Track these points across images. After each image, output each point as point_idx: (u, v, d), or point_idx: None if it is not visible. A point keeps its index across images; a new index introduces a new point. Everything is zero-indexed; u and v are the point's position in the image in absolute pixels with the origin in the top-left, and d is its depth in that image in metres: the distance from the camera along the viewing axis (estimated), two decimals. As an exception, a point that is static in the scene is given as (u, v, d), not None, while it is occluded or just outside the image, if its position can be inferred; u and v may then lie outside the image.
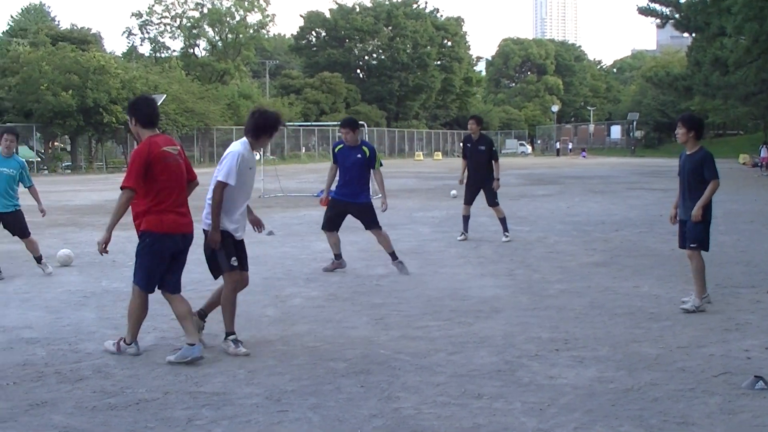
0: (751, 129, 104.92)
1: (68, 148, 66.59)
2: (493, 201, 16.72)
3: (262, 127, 8.74)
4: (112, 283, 12.16)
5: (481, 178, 16.74)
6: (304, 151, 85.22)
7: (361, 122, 41.45)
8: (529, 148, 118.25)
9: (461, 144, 17.70)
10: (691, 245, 10.19)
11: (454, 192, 29.43)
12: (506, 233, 16.76)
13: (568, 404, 6.55)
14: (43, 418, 6.35)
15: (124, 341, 8.17)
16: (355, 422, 6.19)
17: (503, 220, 16.81)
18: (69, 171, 60.29)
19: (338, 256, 13.25)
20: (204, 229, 8.49)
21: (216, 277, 8.85)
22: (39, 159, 64.78)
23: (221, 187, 8.36)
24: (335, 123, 69.83)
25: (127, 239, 16.97)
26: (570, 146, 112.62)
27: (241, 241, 8.68)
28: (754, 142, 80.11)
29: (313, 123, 75.74)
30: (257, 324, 9.47)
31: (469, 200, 16.99)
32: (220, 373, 7.47)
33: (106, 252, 8.12)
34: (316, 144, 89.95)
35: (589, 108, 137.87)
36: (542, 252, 15.28)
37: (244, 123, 9.07)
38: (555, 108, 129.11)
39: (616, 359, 7.83)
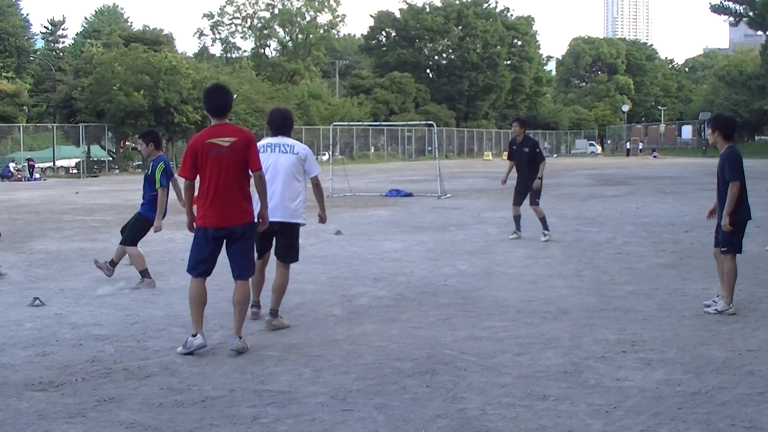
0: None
1: (139, 147, 67.46)
2: (534, 200, 16.91)
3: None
4: (181, 281, 12.24)
5: (525, 178, 16.91)
6: (373, 150, 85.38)
7: (430, 122, 41.45)
8: (598, 149, 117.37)
9: (509, 146, 17.71)
10: (722, 249, 10.05)
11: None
12: (546, 231, 16.74)
13: (635, 407, 6.51)
14: (110, 414, 6.44)
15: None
16: (420, 422, 6.20)
17: (543, 220, 16.85)
18: (140, 170, 60.87)
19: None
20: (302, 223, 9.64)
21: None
22: (111, 158, 65.62)
23: None
24: (404, 123, 70.19)
25: (189, 238, 17.19)
26: (640, 146, 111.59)
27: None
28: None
29: (383, 123, 75.86)
30: (324, 323, 9.51)
31: (517, 201, 17.20)
32: (285, 371, 7.51)
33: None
34: (385, 144, 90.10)
35: (659, 108, 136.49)
36: (611, 253, 15.17)
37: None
38: (625, 108, 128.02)
39: (684, 362, 7.76)
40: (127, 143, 67.26)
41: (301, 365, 7.71)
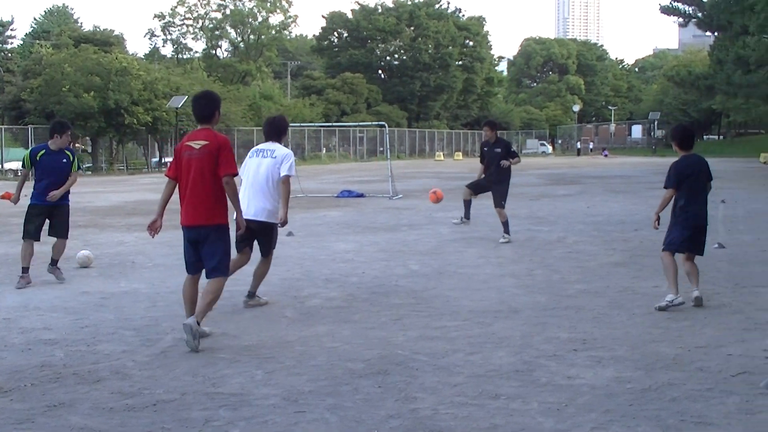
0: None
1: (89, 149, 66.75)
2: (499, 203, 16.67)
3: None
4: (132, 284, 12.20)
5: (495, 179, 16.74)
6: (324, 151, 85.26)
7: (381, 123, 41.29)
8: (549, 148, 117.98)
9: (480, 149, 17.71)
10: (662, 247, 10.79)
11: (474, 193, 29.44)
12: (506, 234, 16.67)
13: (586, 404, 6.55)
14: (60, 419, 6.38)
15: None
16: (373, 423, 6.20)
17: (506, 224, 16.72)
18: (90, 172, 60.38)
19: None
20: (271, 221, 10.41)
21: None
22: (60, 161, 65.01)
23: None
24: (356, 124, 70.21)
25: (147, 241, 17.09)
26: (591, 146, 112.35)
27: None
28: (776, 141, 79.82)
29: (335, 124, 75.80)
30: (276, 325, 9.48)
31: (474, 187, 17.46)
32: (237, 374, 7.49)
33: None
34: (337, 144, 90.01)
35: (610, 107, 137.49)
36: (562, 252, 15.26)
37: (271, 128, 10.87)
38: (576, 108, 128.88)
39: (635, 359, 7.82)
40: (77, 145, 66.66)
41: (253, 367, 7.68)
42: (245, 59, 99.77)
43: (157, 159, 69.49)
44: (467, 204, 17.43)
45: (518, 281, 12.18)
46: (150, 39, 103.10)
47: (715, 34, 57.71)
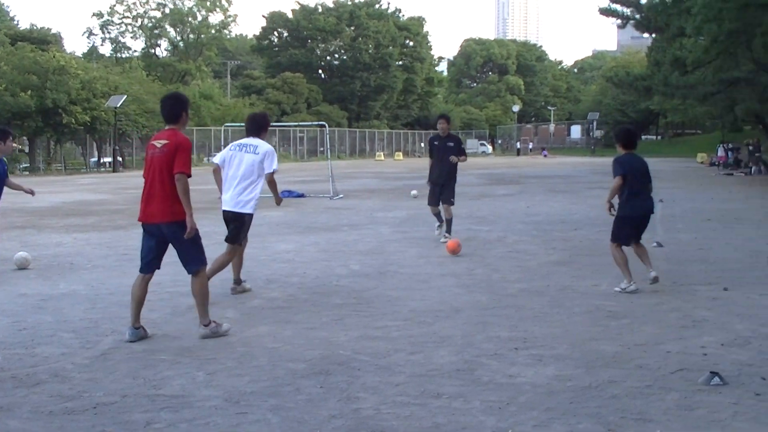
0: (709, 128, 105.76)
1: (26, 149, 65.92)
2: (449, 199, 16.59)
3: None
4: (71, 286, 12.06)
5: (447, 176, 16.65)
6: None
7: (322, 123, 41.18)
8: (489, 148, 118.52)
9: (428, 144, 17.56)
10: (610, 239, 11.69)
11: (414, 192, 29.51)
12: (447, 234, 16.64)
13: (527, 402, 6.58)
14: (-2, 422, 6.31)
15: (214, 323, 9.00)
16: (315, 423, 6.18)
17: (450, 221, 16.72)
18: (27, 173, 59.65)
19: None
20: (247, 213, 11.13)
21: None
22: (-4, 161, 64.10)
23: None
24: (296, 124, 70.03)
25: (86, 242, 16.94)
26: (530, 146, 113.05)
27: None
28: (712, 142, 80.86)
29: (275, 124, 75.56)
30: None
31: (434, 202, 16.84)
32: (179, 375, 7.43)
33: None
34: (277, 144, 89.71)
35: (549, 108, 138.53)
36: (502, 251, 15.33)
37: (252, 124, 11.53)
38: (516, 108, 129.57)
39: (575, 357, 7.88)
40: (14, 145, 65.81)
41: (194, 369, 7.63)
42: (185, 58, 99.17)
43: (95, 159, 68.82)
44: (438, 214, 17.15)
45: (459, 281, 12.22)
46: (88, 38, 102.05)
47: (653, 35, 58.26)
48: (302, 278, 12.59)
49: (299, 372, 7.48)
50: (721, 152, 57.21)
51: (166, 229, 8.75)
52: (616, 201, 11.44)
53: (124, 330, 9.02)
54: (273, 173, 11.22)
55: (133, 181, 42.77)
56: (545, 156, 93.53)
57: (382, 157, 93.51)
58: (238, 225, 11.24)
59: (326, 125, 40.26)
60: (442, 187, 16.60)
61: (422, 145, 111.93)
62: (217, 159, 11.69)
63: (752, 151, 50.44)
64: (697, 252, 15.01)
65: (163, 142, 8.74)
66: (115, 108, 58.64)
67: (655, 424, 6.09)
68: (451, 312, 10.04)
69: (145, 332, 8.84)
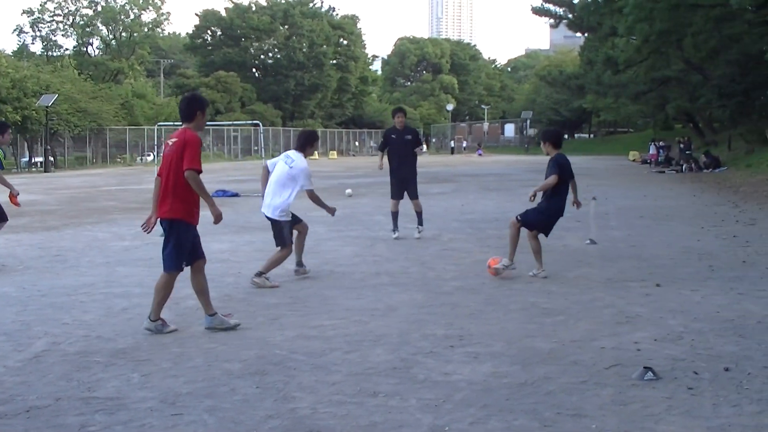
0: (641, 127, 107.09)
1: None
2: (415, 194, 16.78)
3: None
4: (1, 287, 11.88)
5: (408, 170, 16.73)
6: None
7: (256, 122, 41.05)
8: (424, 147, 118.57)
9: (383, 137, 17.41)
10: (517, 216, 12.66)
11: (349, 191, 29.55)
12: (420, 227, 16.79)
13: (464, 400, 6.60)
14: (-71, 426, 6.20)
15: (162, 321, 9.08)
16: (251, 423, 6.16)
17: (420, 214, 16.87)
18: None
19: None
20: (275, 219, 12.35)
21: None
22: None
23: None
24: (230, 123, 69.74)
25: (17, 243, 16.72)
26: (465, 144, 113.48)
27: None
28: (644, 140, 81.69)
29: (208, 123, 75.16)
30: (151, 326, 9.35)
31: (397, 195, 16.91)
32: (113, 377, 7.36)
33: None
34: (211, 144, 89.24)
35: (483, 106, 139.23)
36: (437, 250, 15.38)
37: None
38: (450, 107, 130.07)
39: (511, 354, 7.92)
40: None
41: (129, 370, 7.56)
42: (117, 57, 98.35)
43: (27, 159, 67.95)
44: (395, 216, 17.06)
45: (394, 279, 12.24)
46: (18, 35, 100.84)
47: (585, 35, 58.84)
48: (237, 278, 12.54)
49: (235, 372, 7.45)
50: (652, 150, 57.82)
51: (166, 225, 8.99)
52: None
53: (56, 332, 8.95)
54: (310, 191, 12.78)
55: (66, 181, 42.31)
56: (480, 155, 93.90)
57: (317, 156, 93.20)
58: (275, 229, 12.45)
59: (260, 124, 40.29)
60: (406, 183, 16.64)
61: (356, 144, 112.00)
62: (269, 162, 12.99)
63: (683, 149, 51.08)
64: (630, 249, 15.17)
65: (174, 140, 8.97)
66: (47, 107, 57.97)
67: (590, 419, 6.15)
68: (386, 310, 10.05)
69: (221, 318, 9.23)
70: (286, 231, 12.40)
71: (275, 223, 12.39)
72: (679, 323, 9.16)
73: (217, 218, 9.13)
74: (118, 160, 71.27)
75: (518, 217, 12.48)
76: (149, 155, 68.98)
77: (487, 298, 10.69)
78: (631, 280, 11.93)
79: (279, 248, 12.27)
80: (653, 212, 22.26)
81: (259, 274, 11.92)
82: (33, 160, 66.93)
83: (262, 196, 12.80)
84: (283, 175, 12.42)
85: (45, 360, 7.99)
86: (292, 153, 12.71)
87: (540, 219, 12.47)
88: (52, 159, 62.86)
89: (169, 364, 7.74)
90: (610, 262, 13.54)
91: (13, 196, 14.20)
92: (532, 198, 12.45)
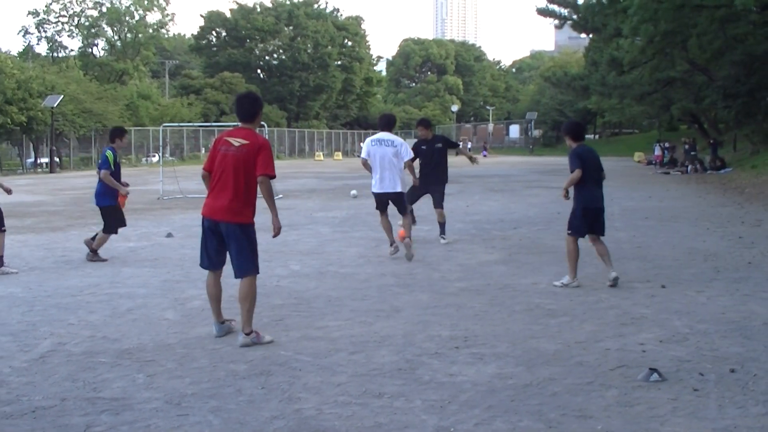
0: (645, 128, 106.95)
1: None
2: (440, 203, 16.66)
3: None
4: (8, 288, 11.90)
5: (435, 179, 16.61)
6: (204, 152, 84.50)
7: (261, 123, 41.10)
8: (485, 152, 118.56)
9: (415, 150, 16.85)
10: (568, 231, 11.92)
11: (354, 192, 29.59)
12: (444, 236, 16.67)
13: (469, 401, 6.60)
14: (-66, 427, 6.21)
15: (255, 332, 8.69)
16: (256, 424, 6.16)
17: (443, 225, 16.75)
18: (-33, 173, 58.94)
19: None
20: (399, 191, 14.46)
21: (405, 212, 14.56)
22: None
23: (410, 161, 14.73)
24: (235, 124, 69.60)
25: (23, 244, 16.74)
26: (469, 145, 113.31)
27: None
28: (648, 141, 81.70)
29: (213, 123, 75.24)
30: (156, 327, 9.35)
31: (412, 201, 16.62)
32: (119, 378, 7.36)
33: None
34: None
35: (488, 108, 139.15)
36: (442, 251, 15.37)
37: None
38: (455, 108, 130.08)
39: (515, 355, 7.92)
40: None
41: (134, 371, 7.57)
42: (122, 58, 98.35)
43: (32, 159, 68.01)
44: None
45: (399, 280, 12.23)
46: (24, 36, 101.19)
47: (590, 36, 58.85)
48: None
49: (240, 373, 7.45)
50: (657, 151, 57.77)
51: (226, 229, 8.66)
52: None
53: (62, 332, 8.97)
54: (411, 159, 14.69)
55: (71, 182, 42.36)
56: (485, 156, 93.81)
57: (322, 157, 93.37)
58: (398, 201, 14.54)
59: (265, 125, 40.10)
60: (433, 189, 16.62)
61: (361, 145, 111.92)
62: (363, 154, 14.75)
63: (688, 150, 50.99)
64: (635, 250, 15.16)
65: (243, 141, 8.65)
66: (52, 108, 58.02)
67: (595, 420, 6.15)
68: (391, 311, 10.05)
69: (230, 325, 9.14)
70: (406, 199, 14.88)
71: (399, 196, 14.48)
72: (685, 324, 9.16)
73: (278, 231, 9.09)
74: (124, 161, 71.29)
75: (568, 231, 11.87)
76: (154, 156, 69.03)
77: (491, 299, 10.69)
78: (636, 281, 11.92)
79: (403, 216, 14.60)
80: (658, 213, 22.24)
81: (405, 239, 14.25)
82: (38, 161, 66.98)
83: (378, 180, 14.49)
84: (389, 156, 14.31)
85: (50, 360, 7.99)
86: (385, 134, 14.54)
87: (570, 220, 11.92)
88: (57, 160, 62.89)
89: (174, 365, 7.74)
90: (615, 263, 13.50)
91: (122, 196, 14.69)
92: (566, 196, 11.96)
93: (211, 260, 8.98)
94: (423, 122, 17.16)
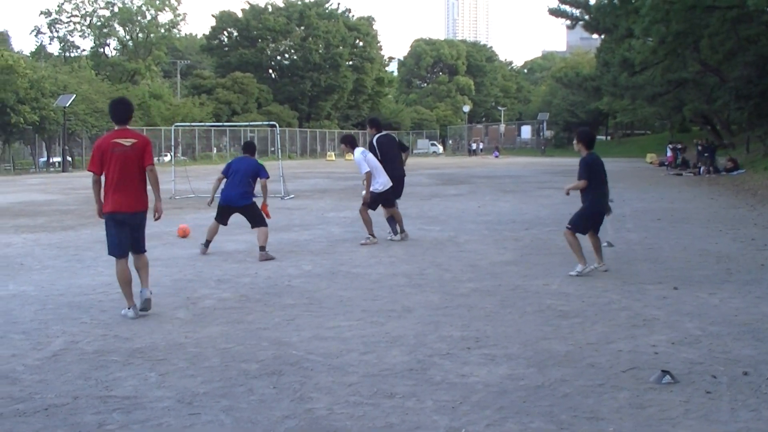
0: (657, 129, 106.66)
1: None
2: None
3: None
4: (20, 287, 11.94)
5: (401, 174, 17.46)
6: (215, 151, 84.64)
7: (272, 123, 41.33)
8: (440, 148, 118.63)
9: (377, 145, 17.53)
10: (567, 226, 12.81)
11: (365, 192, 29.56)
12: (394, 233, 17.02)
13: (480, 402, 6.60)
14: (-53, 425, 6.23)
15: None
16: (268, 424, 6.17)
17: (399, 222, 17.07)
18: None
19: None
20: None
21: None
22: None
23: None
24: (247, 124, 69.84)
25: (35, 242, 16.79)
26: (481, 146, 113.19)
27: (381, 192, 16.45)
28: (660, 142, 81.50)
29: (225, 123, 75.29)
30: (168, 326, 9.37)
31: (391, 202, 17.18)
32: (130, 376, 7.38)
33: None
34: (227, 144, 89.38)
35: (499, 108, 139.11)
36: (453, 251, 15.36)
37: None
38: (466, 108, 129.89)
39: (527, 356, 7.91)
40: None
41: (146, 369, 7.58)
42: (134, 58, 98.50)
43: (44, 159, 68.17)
44: (391, 221, 17.28)
45: (410, 280, 12.23)
46: (36, 36, 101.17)
47: (602, 36, 58.67)
48: (254, 278, 12.55)
49: (252, 372, 7.46)
50: (669, 153, 57.64)
51: (141, 216, 10.18)
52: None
53: (74, 330, 9.01)
54: (365, 174, 16.28)
55: (83, 181, 42.43)
56: (496, 157, 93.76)
57: (333, 157, 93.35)
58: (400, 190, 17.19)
59: (277, 125, 40.20)
60: (398, 190, 17.19)
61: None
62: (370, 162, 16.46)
63: (701, 152, 50.84)
64: (646, 251, 15.13)
65: (132, 140, 10.05)
66: (64, 107, 58.17)
67: (606, 422, 6.14)
68: (403, 312, 10.05)
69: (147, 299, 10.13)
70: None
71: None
72: (697, 326, 9.14)
73: (160, 214, 10.57)
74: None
75: (568, 225, 12.78)
76: (166, 155, 69.00)
77: (503, 300, 10.68)
78: (648, 282, 11.90)
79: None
80: (670, 215, 22.20)
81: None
82: (51, 160, 67.13)
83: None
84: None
85: (63, 358, 8.02)
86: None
87: (581, 220, 12.71)
88: (69, 159, 63.06)
89: (186, 364, 7.76)
90: (626, 265, 13.51)
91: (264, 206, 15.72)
92: (567, 193, 13.54)
93: (124, 249, 10.04)
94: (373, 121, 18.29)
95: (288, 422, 6.19)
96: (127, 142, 9.93)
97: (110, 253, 10.07)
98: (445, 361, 7.79)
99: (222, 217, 15.40)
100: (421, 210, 23.78)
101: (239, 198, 14.95)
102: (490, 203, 26.41)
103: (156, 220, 10.52)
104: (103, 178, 9.96)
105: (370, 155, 16.52)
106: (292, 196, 29.95)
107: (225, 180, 15.29)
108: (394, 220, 16.84)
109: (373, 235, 16.43)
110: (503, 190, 33.00)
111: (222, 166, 15.68)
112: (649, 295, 10.94)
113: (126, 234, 9.95)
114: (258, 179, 15.34)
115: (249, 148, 16.47)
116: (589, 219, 12.67)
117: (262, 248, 14.57)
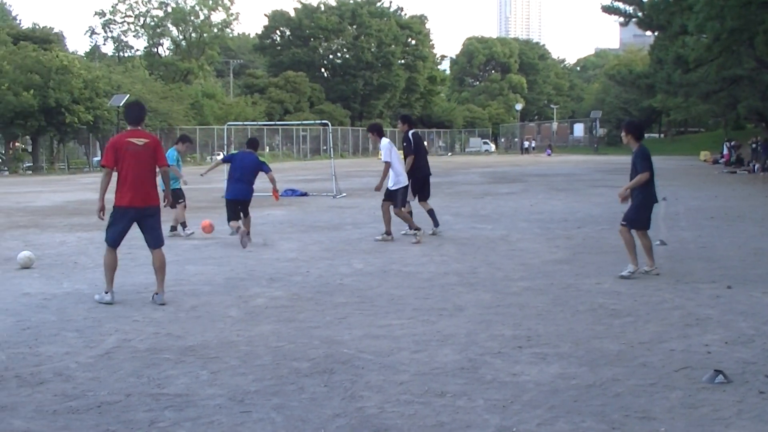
0: (711, 126, 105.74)
1: (29, 148, 65.74)
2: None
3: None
4: (74, 285, 12.06)
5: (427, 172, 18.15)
6: (267, 150, 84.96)
7: (325, 121, 41.56)
8: (492, 147, 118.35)
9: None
10: (621, 222, 12.42)
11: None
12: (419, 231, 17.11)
13: (531, 401, 6.58)
14: (2, 423, 6.27)
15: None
16: (319, 422, 6.18)
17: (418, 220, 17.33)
18: (30, 172, 59.62)
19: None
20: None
21: None
22: (0, 160, 64.06)
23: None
24: (299, 122, 70.07)
25: (89, 241, 16.94)
26: (534, 144, 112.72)
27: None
28: (715, 140, 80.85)
29: (277, 122, 75.55)
30: (220, 325, 9.41)
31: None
32: (182, 374, 7.42)
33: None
34: (280, 143, 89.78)
35: (552, 106, 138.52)
36: (505, 250, 15.32)
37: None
38: (519, 106, 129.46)
39: (579, 355, 7.87)
40: (17, 144, 65.69)
41: (198, 367, 7.63)
42: (187, 57, 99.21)
43: (98, 158, 68.72)
44: (431, 213, 17.54)
45: (462, 279, 12.21)
46: (90, 37, 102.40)
47: (655, 33, 58.20)
48: (305, 277, 12.58)
49: (303, 371, 7.48)
50: (726, 150, 57.16)
51: (152, 210, 10.97)
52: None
53: (127, 329, 9.08)
54: (385, 163, 16.77)
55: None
56: (549, 155, 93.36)
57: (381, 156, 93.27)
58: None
59: (329, 124, 40.32)
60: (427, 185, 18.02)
61: (425, 143, 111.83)
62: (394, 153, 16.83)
63: (755, 149, 50.33)
64: (700, 250, 15.00)
65: (144, 140, 10.86)
66: (118, 107, 58.62)
67: (658, 422, 6.09)
68: (454, 310, 10.03)
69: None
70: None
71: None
72: (750, 326, 9.05)
73: (170, 200, 11.85)
74: (188, 159, 71.89)
75: (622, 222, 12.41)
76: (219, 154, 69.36)
77: (554, 299, 10.64)
78: (701, 281, 11.80)
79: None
80: (724, 213, 22.00)
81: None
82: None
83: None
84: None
85: (116, 356, 8.08)
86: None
87: (641, 214, 12.42)
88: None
89: (238, 362, 7.79)
90: (679, 263, 13.40)
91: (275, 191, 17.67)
92: (624, 200, 12.58)
93: (119, 241, 10.91)
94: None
95: (338, 420, 6.20)
96: (140, 141, 10.70)
97: (107, 240, 10.85)
98: (496, 359, 7.77)
99: (234, 213, 16.67)
100: (474, 208, 23.73)
101: (247, 193, 16.78)
102: (542, 201, 26.31)
103: (165, 206, 11.48)
104: (115, 174, 10.67)
105: (395, 150, 16.89)
106: (344, 194, 30.02)
107: (228, 173, 17.17)
108: (391, 220, 16.90)
109: (417, 228, 16.63)
110: (555, 189, 32.86)
111: (275, 165, 15.75)
112: (703, 294, 10.85)
113: (127, 230, 10.90)
114: (263, 173, 16.90)
115: (252, 144, 17.46)
116: (647, 210, 12.40)
117: (248, 232, 16.20)
